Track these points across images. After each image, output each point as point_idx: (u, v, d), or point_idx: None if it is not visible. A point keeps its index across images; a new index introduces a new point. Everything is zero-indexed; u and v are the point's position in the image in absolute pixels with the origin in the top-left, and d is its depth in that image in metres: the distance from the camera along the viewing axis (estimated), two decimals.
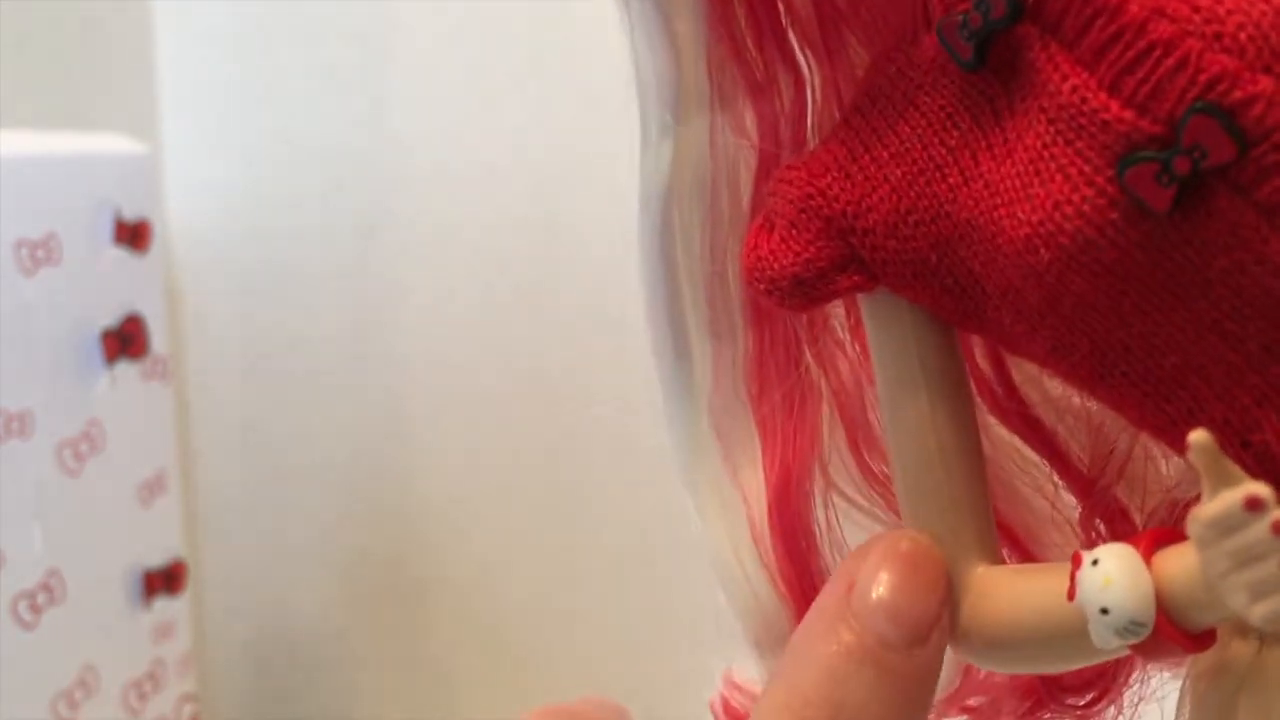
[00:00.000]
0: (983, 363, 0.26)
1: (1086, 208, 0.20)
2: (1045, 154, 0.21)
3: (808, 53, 0.25)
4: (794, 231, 0.24)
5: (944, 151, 0.22)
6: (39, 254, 0.83)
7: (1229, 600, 0.19)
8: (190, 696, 0.97)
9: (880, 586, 0.24)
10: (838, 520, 0.27)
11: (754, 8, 0.25)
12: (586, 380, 0.93)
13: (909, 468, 0.24)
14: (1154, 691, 0.27)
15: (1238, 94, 0.19)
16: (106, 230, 0.87)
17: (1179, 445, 0.21)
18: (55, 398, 0.85)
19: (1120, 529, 0.25)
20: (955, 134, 0.22)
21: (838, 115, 0.25)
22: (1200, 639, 0.21)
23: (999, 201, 0.22)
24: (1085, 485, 0.26)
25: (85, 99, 1.08)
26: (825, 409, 0.27)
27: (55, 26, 1.05)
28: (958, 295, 0.23)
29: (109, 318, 0.88)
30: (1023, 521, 0.26)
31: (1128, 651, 0.21)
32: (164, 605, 0.94)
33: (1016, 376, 0.26)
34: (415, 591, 1.08)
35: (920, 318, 0.24)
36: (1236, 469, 0.19)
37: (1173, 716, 0.24)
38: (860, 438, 0.27)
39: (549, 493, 0.98)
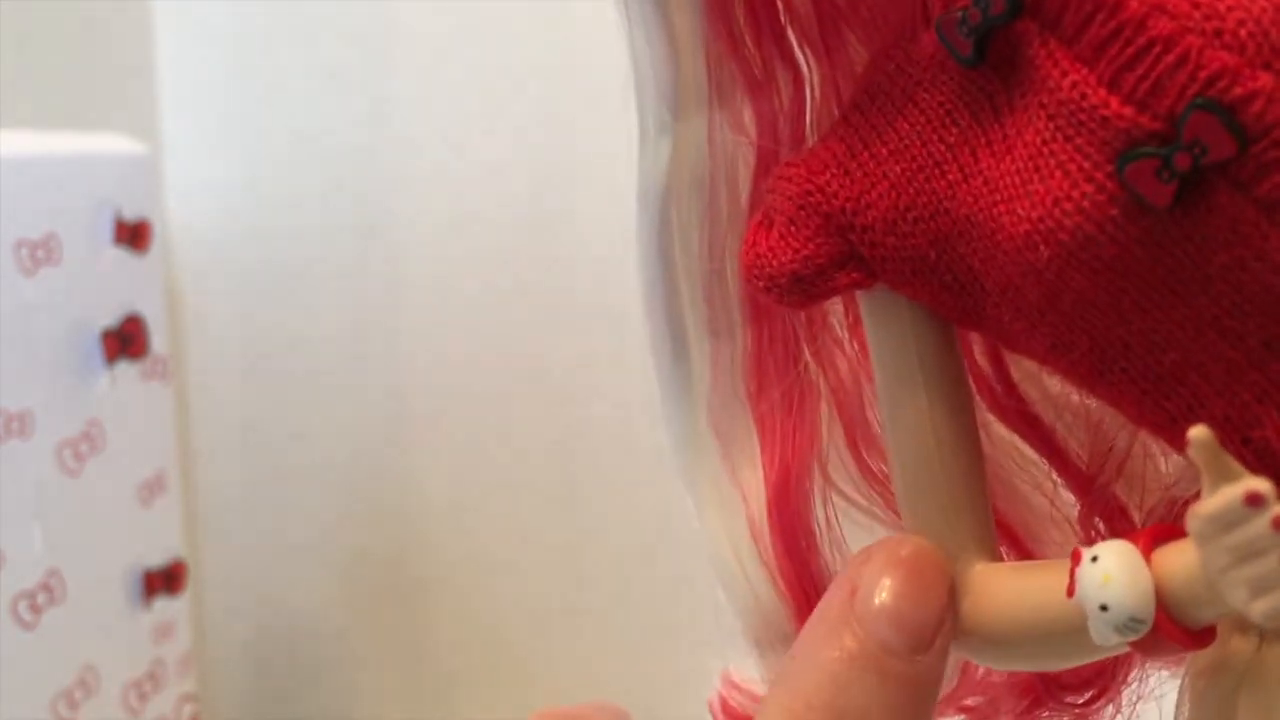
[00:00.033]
0: (981, 360, 0.26)
1: (1086, 204, 0.20)
2: (1045, 150, 0.21)
3: (806, 50, 0.25)
4: (793, 228, 0.24)
5: (943, 148, 0.22)
6: (39, 254, 0.83)
7: (1229, 596, 0.19)
8: (190, 696, 0.97)
9: (883, 592, 0.24)
10: (836, 518, 0.27)
11: (753, 4, 0.25)
12: (587, 380, 0.93)
13: (908, 465, 0.24)
14: (1153, 690, 0.27)
15: (1238, 90, 0.19)
16: (106, 230, 0.87)
17: (1179, 442, 0.21)
18: (55, 398, 0.85)
19: (1119, 526, 0.25)
20: (954, 131, 0.22)
21: (836, 112, 0.25)
22: (1200, 636, 0.21)
23: (998, 198, 0.22)
24: (1084, 483, 0.25)
25: (85, 99, 1.08)
26: (824, 407, 0.27)
27: (55, 26, 1.05)
28: (957, 292, 0.23)
29: (109, 318, 0.88)
30: (1022, 519, 0.26)
31: (1127, 649, 0.21)
32: (164, 605, 0.94)
33: (1015, 374, 0.26)
34: (415, 591, 1.08)
35: (919, 315, 0.24)
36: (1236, 465, 0.19)
37: (1172, 714, 0.24)
38: (859, 436, 0.27)
39: (549, 492, 0.98)
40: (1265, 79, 0.19)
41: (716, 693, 0.29)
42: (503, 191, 0.96)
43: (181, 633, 0.96)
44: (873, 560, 0.24)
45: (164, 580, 0.94)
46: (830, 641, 0.24)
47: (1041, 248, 0.21)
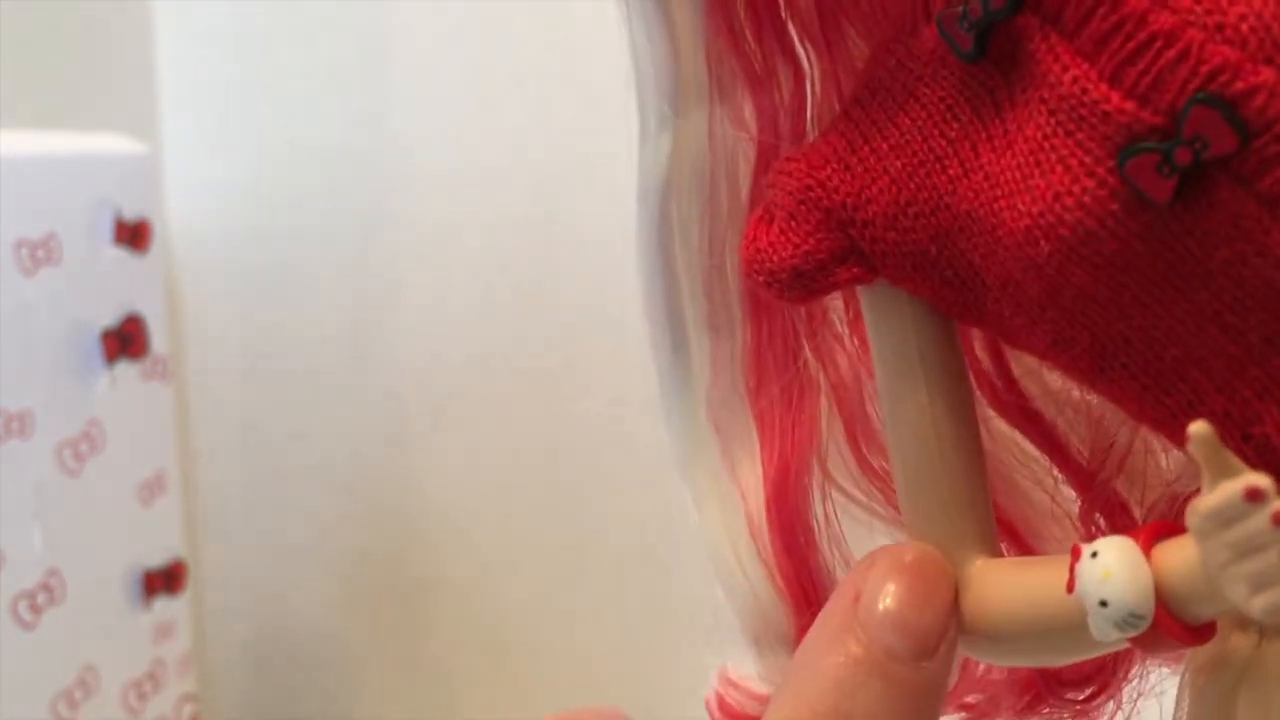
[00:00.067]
0: (982, 356, 0.26)
1: (1087, 199, 0.20)
2: (1046, 145, 0.21)
3: (807, 45, 0.25)
4: (793, 223, 0.24)
5: (944, 143, 0.22)
6: (39, 254, 0.83)
7: (1228, 592, 0.19)
8: (190, 696, 0.97)
9: (887, 598, 0.24)
10: (836, 515, 0.27)
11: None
12: (586, 380, 0.93)
13: (908, 461, 0.24)
14: (1153, 686, 0.27)
15: (1239, 85, 0.19)
16: (106, 230, 0.87)
17: (1179, 438, 0.20)
18: (55, 398, 0.85)
19: (1120, 522, 0.25)
20: (955, 126, 0.22)
21: (837, 107, 0.25)
22: (1199, 632, 0.21)
23: (999, 193, 0.21)
24: (1085, 479, 0.25)
25: (85, 99, 1.08)
26: (824, 403, 0.27)
27: (55, 26, 1.05)
28: (957, 287, 0.23)
29: (109, 318, 0.88)
30: (1022, 515, 0.26)
31: (1127, 645, 0.21)
32: (164, 605, 0.94)
33: (1016, 369, 0.26)
34: (415, 591, 1.08)
35: (920, 310, 0.24)
36: (1236, 460, 0.19)
37: (1172, 711, 0.24)
38: (859, 431, 0.27)
39: (549, 492, 0.98)
40: (1267, 74, 0.19)
41: (714, 691, 0.29)
42: (502, 192, 0.96)
43: (181, 633, 0.96)
44: (876, 566, 0.24)
45: (164, 580, 0.94)
46: (835, 647, 0.24)
47: (1042, 243, 0.21)
